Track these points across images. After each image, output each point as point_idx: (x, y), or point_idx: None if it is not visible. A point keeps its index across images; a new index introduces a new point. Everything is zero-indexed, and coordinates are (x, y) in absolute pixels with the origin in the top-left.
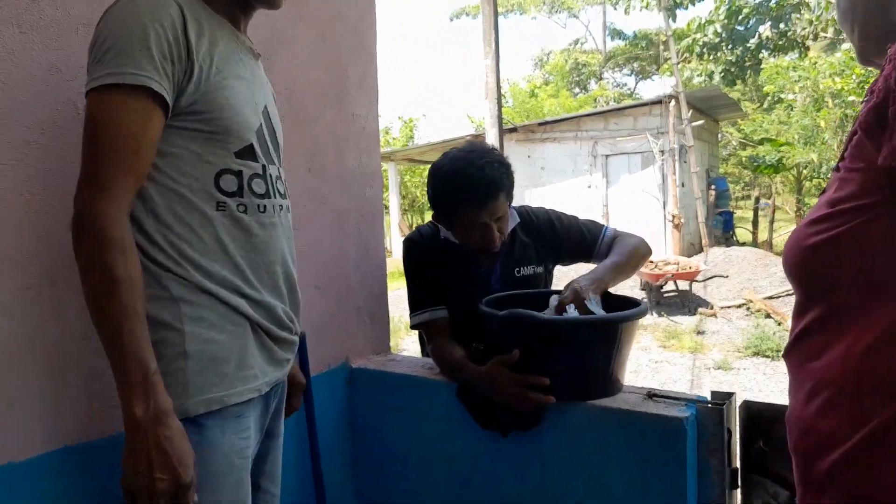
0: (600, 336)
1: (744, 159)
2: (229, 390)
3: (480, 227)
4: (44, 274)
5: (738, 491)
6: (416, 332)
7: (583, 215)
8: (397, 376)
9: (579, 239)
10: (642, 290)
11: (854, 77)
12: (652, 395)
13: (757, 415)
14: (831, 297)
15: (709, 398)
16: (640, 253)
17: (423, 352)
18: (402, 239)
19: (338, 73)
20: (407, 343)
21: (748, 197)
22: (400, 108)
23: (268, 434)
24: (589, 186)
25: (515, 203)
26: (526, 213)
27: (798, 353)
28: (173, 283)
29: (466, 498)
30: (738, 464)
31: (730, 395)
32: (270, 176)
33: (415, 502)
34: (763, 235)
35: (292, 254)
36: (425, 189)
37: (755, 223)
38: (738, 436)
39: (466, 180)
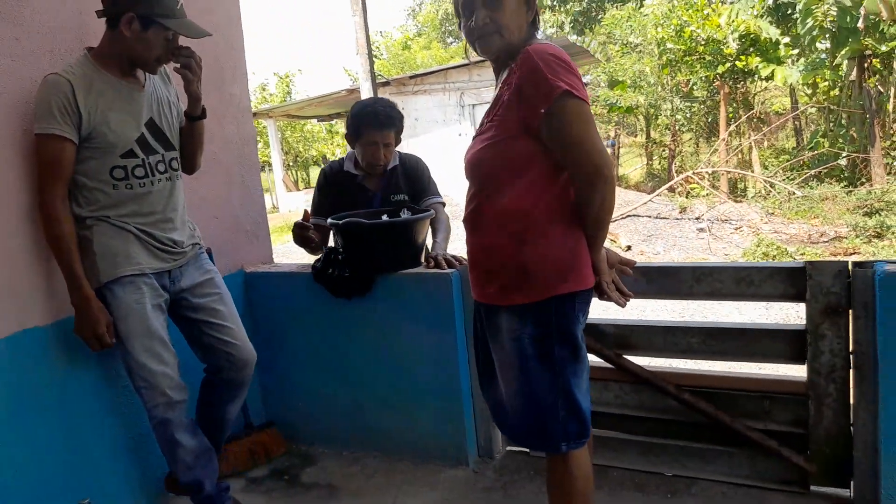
0: (404, 232)
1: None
2: (119, 269)
3: (373, 146)
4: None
5: None
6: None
7: (455, 161)
8: (277, 274)
9: (423, 186)
10: None
11: (672, 28)
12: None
13: None
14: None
15: None
16: (449, 226)
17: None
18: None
19: (216, 68)
20: None
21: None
22: (277, 63)
23: (196, 296)
24: (459, 135)
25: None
26: (404, 157)
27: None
28: (90, 220)
29: (333, 340)
30: None
31: None
32: (149, 163)
33: (300, 345)
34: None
35: (175, 204)
36: (307, 144)
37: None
38: None
39: (372, 111)
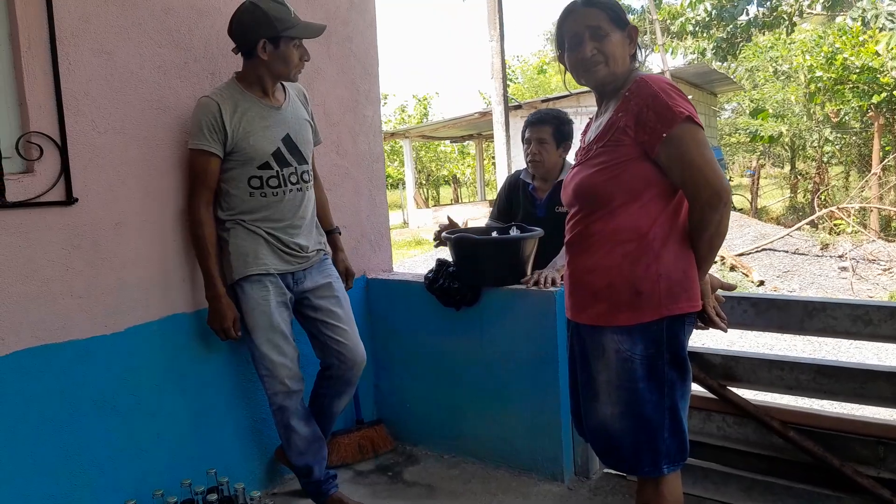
0: (508, 249)
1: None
2: (249, 268)
3: (529, 143)
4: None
5: None
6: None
7: None
8: (395, 282)
9: None
10: None
11: (822, 55)
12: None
13: None
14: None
15: None
16: None
17: None
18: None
19: (353, 91)
20: None
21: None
22: (416, 85)
23: (317, 297)
24: None
25: None
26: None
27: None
28: (227, 223)
29: (440, 347)
30: None
31: None
32: (282, 175)
33: (411, 350)
34: (759, 202)
35: (303, 212)
36: (439, 164)
37: (752, 190)
38: None
39: (533, 113)
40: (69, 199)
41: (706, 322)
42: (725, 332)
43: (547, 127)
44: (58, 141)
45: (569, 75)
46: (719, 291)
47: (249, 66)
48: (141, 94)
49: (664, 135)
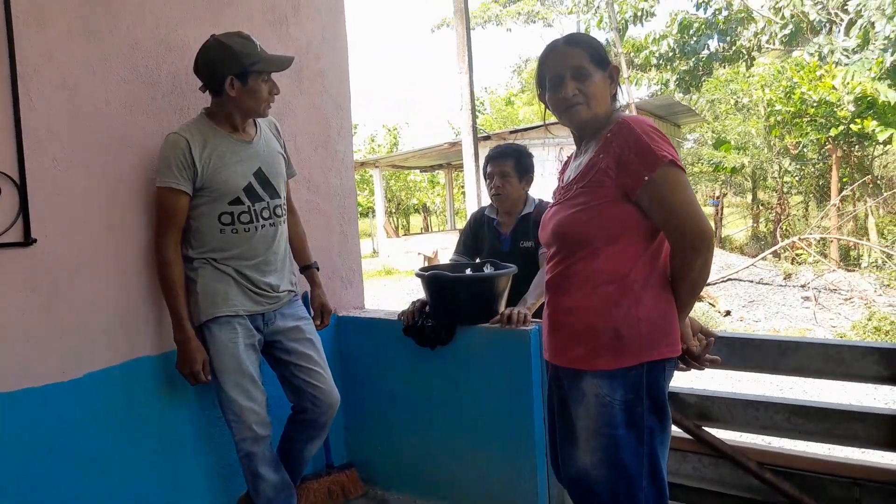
0: (484, 286)
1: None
2: (217, 309)
3: (492, 178)
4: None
5: None
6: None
7: None
8: (366, 320)
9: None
10: None
11: (781, 89)
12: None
13: None
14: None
15: None
16: None
17: None
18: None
19: (324, 126)
20: None
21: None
22: (386, 115)
23: (289, 339)
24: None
25: None
26: (541, 206)
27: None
28: (196, 262)
29: (413, 387)
30: None
31: None
32: (254, 210)
33: (383, 390)
34: (723, 231)
35: (276, 248)
36: (409, 193)
37: (716, 220)
38: None
39: (493, 149)
40: (27, 240)
41: (688, 364)
42: (709, 367)
43: (508, 161)
44: (16, 179)
45: (549, 112)
46: (700, 335)
47: (218, 103)
48: (106, 130)
49: (646, 178)
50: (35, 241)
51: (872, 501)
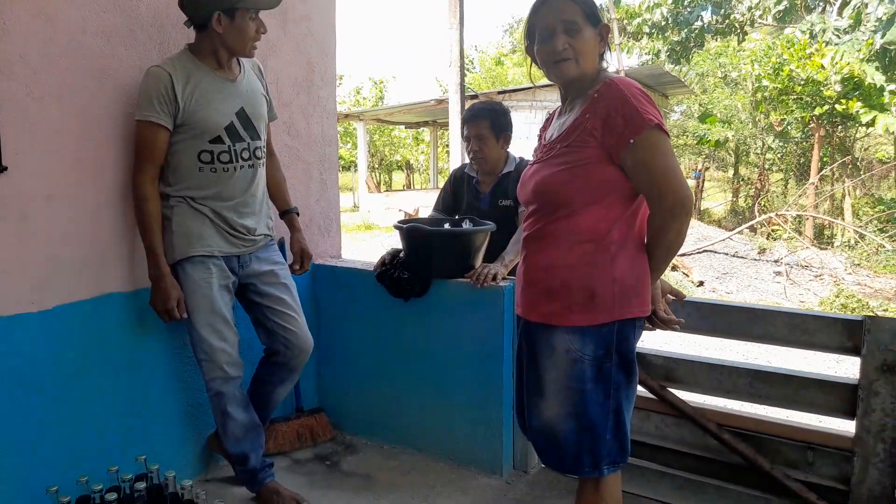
0: (461, 241)
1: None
2: (192, 249)
3: (468, 140)
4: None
5: None
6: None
7: None
8: (342, 269)
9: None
10: None
11: (770, 65)
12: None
13: None
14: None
15: None
16: None
17: None
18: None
19: (308, 70)
20: None
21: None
22: (373, 67)
23: (263, 283)
24: None
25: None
26: (521, 164)
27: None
28: (172, 199)
29: (386, 337)
30: None
31: None
32: (234, 150)
33: (356, 338)
34: (703, 204)
35: (254, 190)
36: (393, 149)
37: (696, 192)
38: None
39: (468, 109)
40: None
41: (654, 324)
42: (676, 330)
43: (484, 121)
44: None
45: (534, 67)
46: (668, 296)
47: (203, 39)
48: (82, 61)
49: (631, 140)
50: (6, 168)
51: (824, 465)
